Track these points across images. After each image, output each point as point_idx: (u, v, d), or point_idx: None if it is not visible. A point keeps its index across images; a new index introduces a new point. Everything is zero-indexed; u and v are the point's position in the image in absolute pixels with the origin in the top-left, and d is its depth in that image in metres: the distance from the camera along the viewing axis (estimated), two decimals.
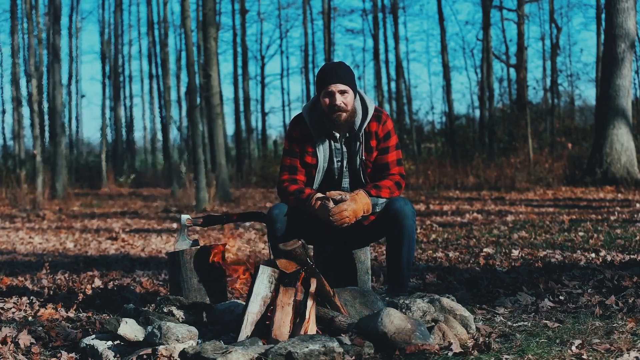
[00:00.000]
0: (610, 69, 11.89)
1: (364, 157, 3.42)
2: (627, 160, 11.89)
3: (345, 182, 3.48)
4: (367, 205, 3.28)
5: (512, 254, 5.23)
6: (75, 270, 5.54)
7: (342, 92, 3.32)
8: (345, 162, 3.45)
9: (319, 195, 3.30)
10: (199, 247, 3.60)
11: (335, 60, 24.26)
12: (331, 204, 3.25)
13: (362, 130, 3.40)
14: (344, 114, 3.34)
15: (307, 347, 2.54)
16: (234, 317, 3.04)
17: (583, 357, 2.51)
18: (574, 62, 42.03)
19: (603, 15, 14.50)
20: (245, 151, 24.03)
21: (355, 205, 3.23)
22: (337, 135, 3.43)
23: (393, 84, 23.77)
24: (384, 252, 5.63)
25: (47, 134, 20.28)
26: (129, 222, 10.13)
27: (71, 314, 3.69)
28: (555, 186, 12.37)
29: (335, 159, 3.45)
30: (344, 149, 3.45)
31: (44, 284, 4.79)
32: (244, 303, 2.88)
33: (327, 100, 3.33)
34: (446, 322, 2.89)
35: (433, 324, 2.86)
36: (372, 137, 3.43)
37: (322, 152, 3.43)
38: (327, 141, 3.44)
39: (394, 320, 2.67)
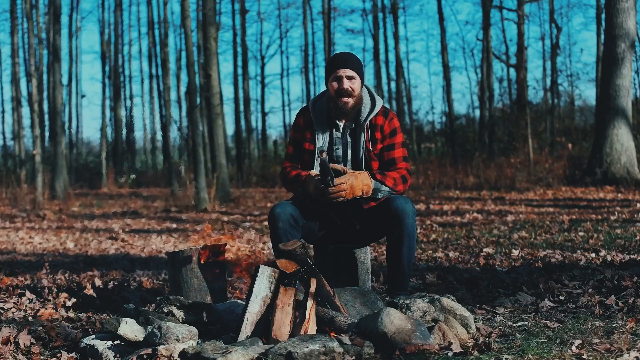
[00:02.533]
0: (610, 69, 11.89)
1: (369, 148, 3.44)
2: (627, 160, 11.89)
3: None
4: (367, 187, 3.29)
5: (512, 254, 5.23)
6: (75, 270, 5.54)
7: (350, 78, 3.39)
8: (349, 152, 3.47)
9: (312, 172, 3.35)
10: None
11: None
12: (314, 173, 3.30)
13: (368, 121, 3.44)
14: (351, 100, 3.40)
15: (307, 347, 2.54)
16: (234, 317, 3.04)
17: (583, 357, 2.51)
18: (574, 62, 42.04)
19: (603, 15, 14.50)
20: (245, 151, 24.02)
21: (355, 181, 3.25)
22: (341, 124, 3.47)
23: (393, 84, 23.85)
24: (384, 252, 5.64)
25: (47, 134, 20.28)
26: (129, 222, 10.13)
27: (71, 314, 3.69)
28: (555, 186, 12.37)
29: (334, 147, 3.48)
30: (349, 139, 3.48)
31: (44, 283, 4.79)
32: (244, 303, 2.88)
33: (335, 84, 3.40)
34: (446, 322, 2.89)
35: (433, 324, 2.86)
36: (377, 130, 3.46)
37: (322, 139, 3.47)
38: (328, 129, 3.48)
39: (394, 320, 2.67)
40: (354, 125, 3.47)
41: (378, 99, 3.50)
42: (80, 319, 3.55)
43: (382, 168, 3.46)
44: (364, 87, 3.50)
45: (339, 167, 3.32)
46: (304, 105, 3.63)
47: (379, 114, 3.47)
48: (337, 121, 3.47)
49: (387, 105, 3.56)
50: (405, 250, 3.34)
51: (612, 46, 11.83)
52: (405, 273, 3.39)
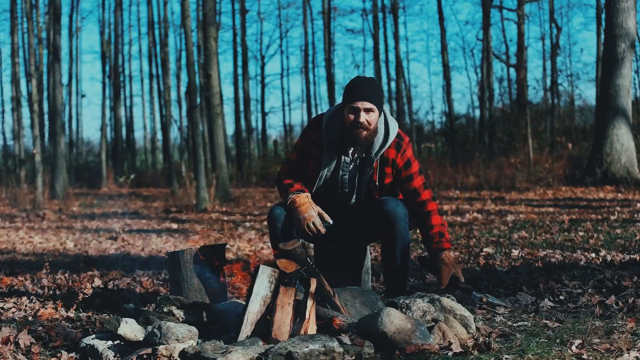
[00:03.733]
0: (610, 69, 11.88)
1: (375, 181, 3.40)
2: (627, 160, 11.88)
3: (354, 198, 3.47)
4: (456, 266, 3.39)
5: (512, 254, 5.23)
6: (75, 270, 5.54)
7: (368, 110, 3.26)
8: (356, 180, 3.42)
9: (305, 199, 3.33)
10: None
11: (335, 60, 24.19)
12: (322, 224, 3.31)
13: (379, 155, 3.36)
14: (365, 132, 3.28)
15: (307, 347, 2.54)
16: (234, 317, 3.04)
17: (583, 357, 2.51)
18: (574, 62, 41.95)
19: (603, 15, 14.49)
20: (246, 151, 24.02)
21: (454, 269, 3.39)
22: (350, 150, 3.38)
23: (393, 84, 23.82)
24: None
25: (47, 134, 20.28)
26: (129, 222, 10.13)
27: (71, 314, 3.69)
28: (555, 186, 12.37)
29: (341, 172, 3.41)
30: (357, 167, 3.41)
31: (44, 283, 4.79)
32: (244, 303, 2.88)
33: (351, 116, 3.28)
34: (446, 322, 2.89)
35: (433, 323, 2.86)
36: (388, 164, 3.39)
37: (329, 162, 3.38)
38: (337, 153, 3.39)
39: (394, 320, 2.67)
40: (364, 155, 3.38)
41: (392, 128, 3.37)
42: (80, 319, 3.55)
43: (406, 201, 3.43)
44: (382, 113, 3.37)
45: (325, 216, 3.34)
46: (321, 114, 3.48)
47: (392, 146, 3.37)
48: (347, 147, 3.38)
49: (402, 133, 3.43)
50: (399, 253, 3.34)
51: (612, 46, 11.83)
52: (401, 275, 3.39)
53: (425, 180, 3.47)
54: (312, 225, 3.27)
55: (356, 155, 3.40)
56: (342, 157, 3.39)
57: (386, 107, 3.45)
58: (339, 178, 3.42)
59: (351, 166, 3.41)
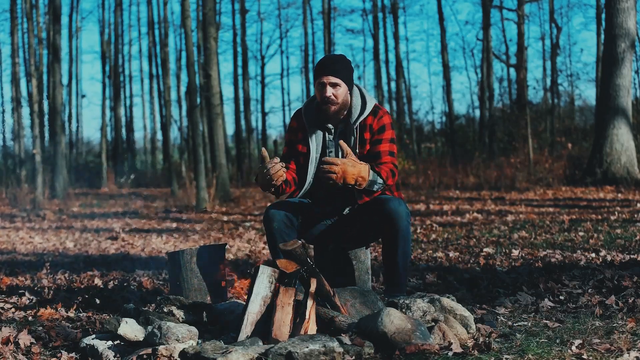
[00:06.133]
0: (610, 69, 11.89)
1: (357, 150, 3.42)
2: (627, 160, 11.89)
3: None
4: (362, 179, 3.17)
5: (512, 254, 5.23)
6: (75, 270, 5.54)
7: (334, 85, 3.35)
8: (340, 155, 3.45)
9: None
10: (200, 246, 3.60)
11: None
12: (268, 161, 3.20)
13: (358, 124, 3.42)
14: (333, 107, 3.38)
15: (307, 347, 2.53)
16: (234, 317, 3.04)
17: (583, 357, 2.51)
18: (574, 62, 42.01)
19: (603, 15, 14.50)
20: (246, 151, 24.02)
21: (350, 168, 3.14)
22: (332, 127, 3.46)
23: (393, 84, 23.85)
24: None
25: (47, 134, 20.28)
26: (129, 222, 10.13)
27: (71, 314, 3.69)
28: (555, 186, 12.37)
29: (327, 150, 3.48)
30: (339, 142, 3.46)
31: (44, 283, 4.79)
32: (244, 303, 2.88)
33: (319, 92, 3.39)
34: (446, 322, 2.89)
35: (433, 323, 2.86)
36: (366, 130, 3.44)
37: (315, 142, 3.46)
38: (321, 133, 3.48)
39: (394, 320, 2.67)
40: (344, 128, 3.46)
41: (370, 99, 3.46)
42: (80, 319, 3.55)
43: (369, 162, 3.39)
44: (355, 88, 3.47)
45: (346, 147, 3.19)
46: (300, 107, 3.62)
47: (370, 114, 3.44)
48: (328, 124, 3.47)
49: (383, 105, 3.53)
50: (400, 253, 3.34)
51: (612, 46, 11.83)
52: (401, 275, 3.38)
53: (393, 151, 3.42)
54: (269, 169, 3.21)
55: (338, 129, 3.47)
56: (326, 135, 3.47)
57: (360, 86, 3.53)
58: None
59: (335, 143, 3.47)
